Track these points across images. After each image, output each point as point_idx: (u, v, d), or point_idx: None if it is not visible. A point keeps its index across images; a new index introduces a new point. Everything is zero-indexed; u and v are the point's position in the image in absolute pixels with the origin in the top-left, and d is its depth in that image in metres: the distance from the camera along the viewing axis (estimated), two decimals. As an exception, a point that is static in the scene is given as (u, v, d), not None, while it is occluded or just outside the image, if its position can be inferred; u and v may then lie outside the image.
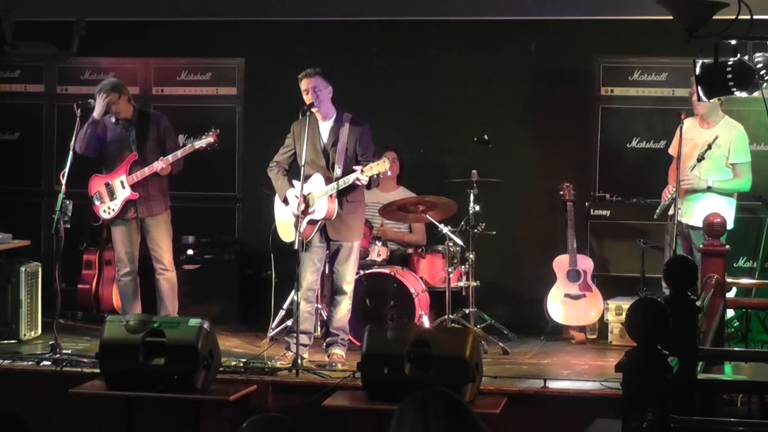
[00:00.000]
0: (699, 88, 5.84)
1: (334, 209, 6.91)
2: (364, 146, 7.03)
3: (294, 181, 7.08)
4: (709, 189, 7.41)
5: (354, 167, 6.89)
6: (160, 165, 7.42)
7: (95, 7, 8.56)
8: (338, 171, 6.96)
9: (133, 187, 7.45)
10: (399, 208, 7.97)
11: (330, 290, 7.44)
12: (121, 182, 7.48)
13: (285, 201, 7.10)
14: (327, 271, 7.45)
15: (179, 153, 7.47)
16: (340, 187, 6.90)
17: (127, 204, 7.48)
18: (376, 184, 7.18)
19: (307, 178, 6.92)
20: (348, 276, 7.06)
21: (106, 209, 7.50)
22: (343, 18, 8.93)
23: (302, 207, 6.79)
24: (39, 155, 9.54)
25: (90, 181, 7.57)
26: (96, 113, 7.43)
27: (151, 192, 7.51)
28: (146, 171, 7.45)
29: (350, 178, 6.85)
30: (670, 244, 7.45)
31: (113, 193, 7.48)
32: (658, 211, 7.56)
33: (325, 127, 7.05)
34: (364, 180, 6.86)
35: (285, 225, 7.13)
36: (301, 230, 6.82)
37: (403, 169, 8.60)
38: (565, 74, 8.81)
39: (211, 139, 7.45)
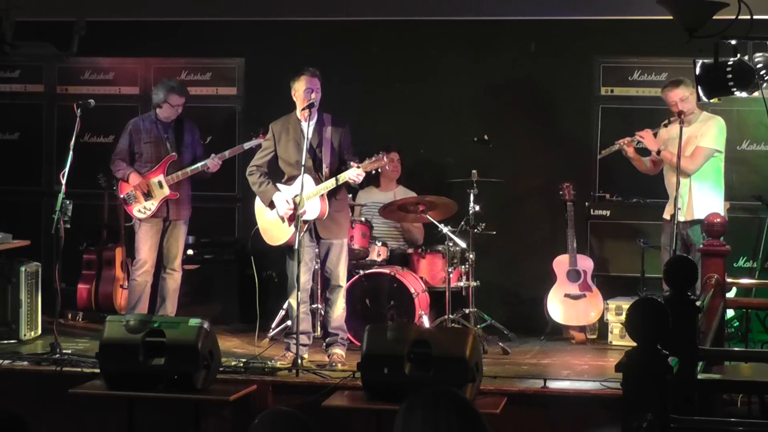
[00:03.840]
0: (699, 88, 5.84)
1: (326, 208, 6.91)
2: (347, 145, 7.04)
3: (279, 185, 7.06)
4: (658, 153, 7.43)
5: (350, 164, 6.88)
6: (212, 162, 7.55)
7: (95, 7, 8.57)
8: (326, 171, 6.95)
9: (172, 187, 7.52)
10: (399, 208, 7.97)
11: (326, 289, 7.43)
12: (159, 182, 7.56)
13: (270, 205, 7.08)
14: (320, 271, 7.44)
15: (227, 153, 7.68)
16: (335, 185, 6.89)
17: (162, 204, 7.53)
18: (364, 184, 7.17)
19: (293, 179, 6.91)
20: (342, 274, 7.06)
21: (141, 209, 7.56)
22: (343, 18, 8.93)
23: (301, 208, 6.77)
24: (39, 155, 9.55)
25: (121, 182, 7.61)
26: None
27: (181, 196, 7.60)
28: (189, 171, 7.57)
29: (347, 176, 6.84)
30: (667, 246, 7.47)
31: (150, 193, 7.53)
32: (603, 152, 7.68)
33: (308, 128, 7.02)
34: (361, 178, 6.85)
35: (269, 228, 7.11)
36: (290, 231, 6.84)
37: (403, 169, 8.61)
38: (565, 74, 8.81)
39: (261, 140, 7.54)
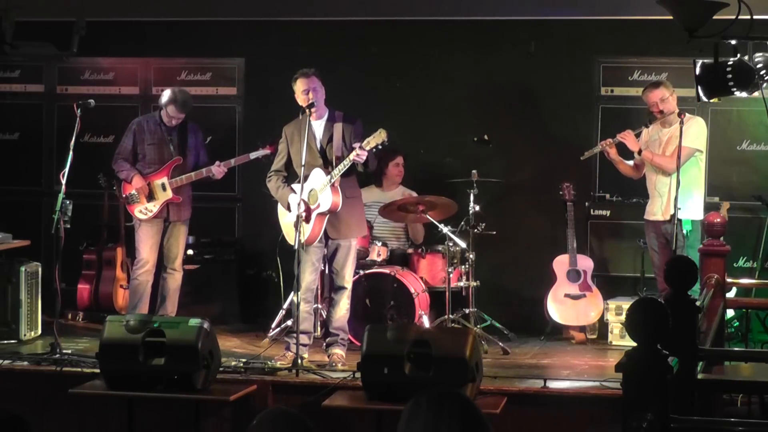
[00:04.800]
0: (699, 88, 5.84)
1: (339, 200, 6.90)
2: (359, 140, 7.02)
3: (294, 186, 7.07)
4: (639, 153, 7.44)
5: (353, 145, 6.87)
6: (217, 169, 7.54)
7: (95, 7, 8.56)
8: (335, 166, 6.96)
9: (175, 191, 7.52)
10: (399, 208, 7.97)
11: (329, 290, 7.44)
12: (162, 185, 7.55)
13: (288, 208, 7.10)
14: (326, 271, 7.45)
15: (233, 161, 7.69)
16: (342, 171, 6.88)
17: (164, 206, 7.54)
18: (373, 166, 7.10)
19: (305, 177, 6.92)
20: (347, 275, 7.06)
21: (143, 210, 7.56)
22: (343, 18, 8.93)
23: (303, 208, 6.77)
24: (39, 155, 9.55)
25: (124, 182, 7.61)
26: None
27: (183, 197, 7.61)
28: (193, 176, 7.57)
29: (351, 157, 6.82)
30: (654, 247, 7.49)
31: (152, 195, 7.53)
32: (586, 153, 7.63)
33: (318, 126, 7.04)
34: (364, 156, 6.81)
35: (291, 231, 7.11)
36: (309, 228, 6.84)
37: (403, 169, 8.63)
38: (565, 74, 8.81)
39: (267, 151, 7.55)
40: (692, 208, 7.34)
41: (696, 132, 7.38)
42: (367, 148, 6.78)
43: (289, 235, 7.13)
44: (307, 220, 6.90)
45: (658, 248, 7.47)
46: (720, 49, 5.63)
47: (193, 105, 7.85)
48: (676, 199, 7.16)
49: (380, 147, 6.83)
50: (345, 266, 7.04)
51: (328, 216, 6.95)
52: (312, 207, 6.89)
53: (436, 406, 2.69)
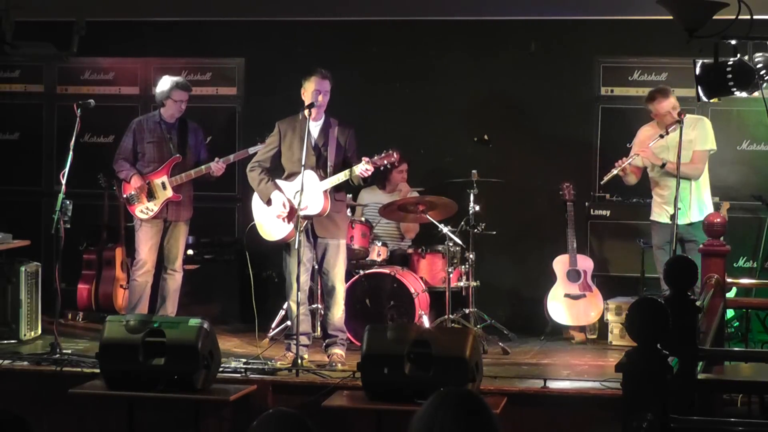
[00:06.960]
0: (699, 88, 5.84)
1: (329, 205, 6.90)
2: (352, 149, 7.04)
3: (279, 182, 7.05)
4: (663, 166, 7.38)
5: (362, 159, 6.87)
6: (216, 166, 7.53)
7: (95, 7, 8.57)
8: (330, 169, 6.95)
9: (175, 189, 7.51)
10: (399, 208, 7.97)
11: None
12: (163, 183, 7.54)
13: (268, 203, 7.08)
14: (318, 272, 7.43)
15: (232, 157, 7.68)
16: (341, 180, 6.88)
17: (164, 205, 7.53)
18: (370, 182, 7.14)
19: (294, 176, 6.91)
20: (340, 275, 7.05)
21: (144, 209, 7.54)
22: (343, 18, 8.93)
23: (300, 207, 6.77)
24: (39, 155, 9.55)
25: (124, 182, 7.60)
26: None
27: (183, 197, 7.59)
28: (192, 174, 7.55)
29: (357, 170, 6.82)
30: (662, 246, 7.46)
31: (153, 194, 7.53)
32: (606, 177, 7.48)
33: (314, 128, 7.02)
34: (371, 171, 6.82)
35: (265, 224, 7.10)
36: (288, 228, 6.85)
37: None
38: (565, 74, 8.81)
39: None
40: (705, 208, 7.34)
41: (707, 132, 7.40)
42: (376, 166, 6.80)
43: (262, 228, 7.12)
44: (289, 219, 6.90)
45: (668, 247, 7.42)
46: (720, 49, 5.63)
47: (194, 105, 7.85)
48: (676, 198, 7.16)
49: (388, 167, 6.88)
50: (336, 266, 7.03)
51: (312, 218, 6.94)
52: (299, 210, 6.84)
53: (455, 407, 2.66)
